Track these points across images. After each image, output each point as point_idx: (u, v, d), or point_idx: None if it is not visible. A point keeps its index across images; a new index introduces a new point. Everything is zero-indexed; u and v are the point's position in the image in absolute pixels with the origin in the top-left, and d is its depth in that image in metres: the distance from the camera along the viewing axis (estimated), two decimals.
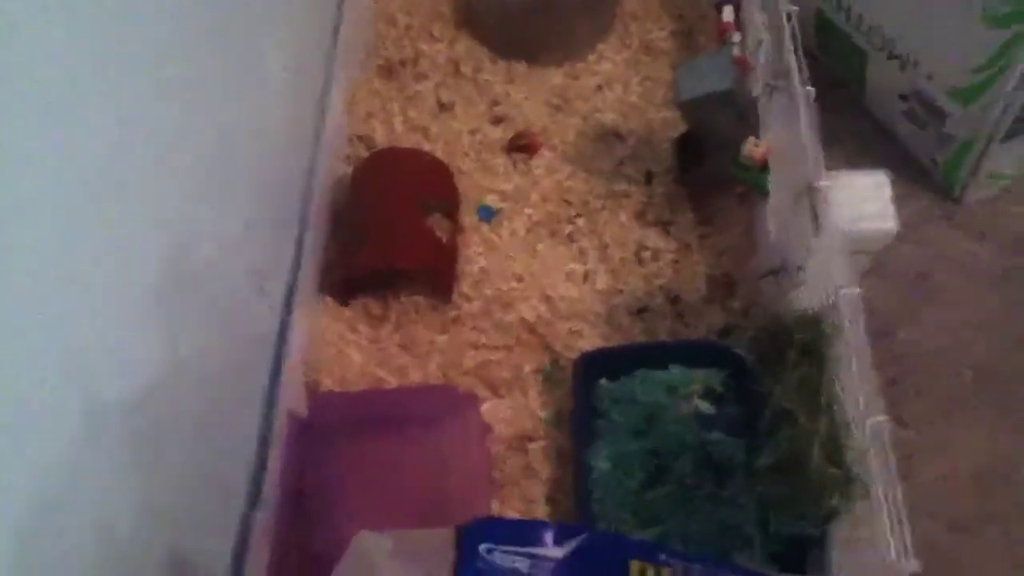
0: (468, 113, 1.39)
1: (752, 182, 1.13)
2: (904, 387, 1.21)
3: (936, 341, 1.27)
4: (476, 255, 1.22)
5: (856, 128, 1.43)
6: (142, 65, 0.78)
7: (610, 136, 1.34)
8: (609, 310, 1.15)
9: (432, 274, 1.19)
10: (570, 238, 1.23)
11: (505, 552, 0.66)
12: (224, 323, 0.98)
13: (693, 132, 1.24)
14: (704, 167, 1.22)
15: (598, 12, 1.45)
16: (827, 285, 0.87)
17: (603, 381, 1.07)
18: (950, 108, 1.25)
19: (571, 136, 1.34)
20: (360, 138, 1.37)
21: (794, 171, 1.00)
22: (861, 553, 0.76)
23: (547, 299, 1.17)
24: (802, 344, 0.86)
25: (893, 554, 0.67)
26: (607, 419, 1.04)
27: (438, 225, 1.21)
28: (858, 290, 0.82)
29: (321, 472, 1.01)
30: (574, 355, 1.10)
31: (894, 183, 1.01)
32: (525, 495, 1.02)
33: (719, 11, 1.31)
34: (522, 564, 0.66)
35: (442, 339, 1.15)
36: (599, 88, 1.40)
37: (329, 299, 1.19)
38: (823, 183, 0.90)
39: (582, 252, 1.21)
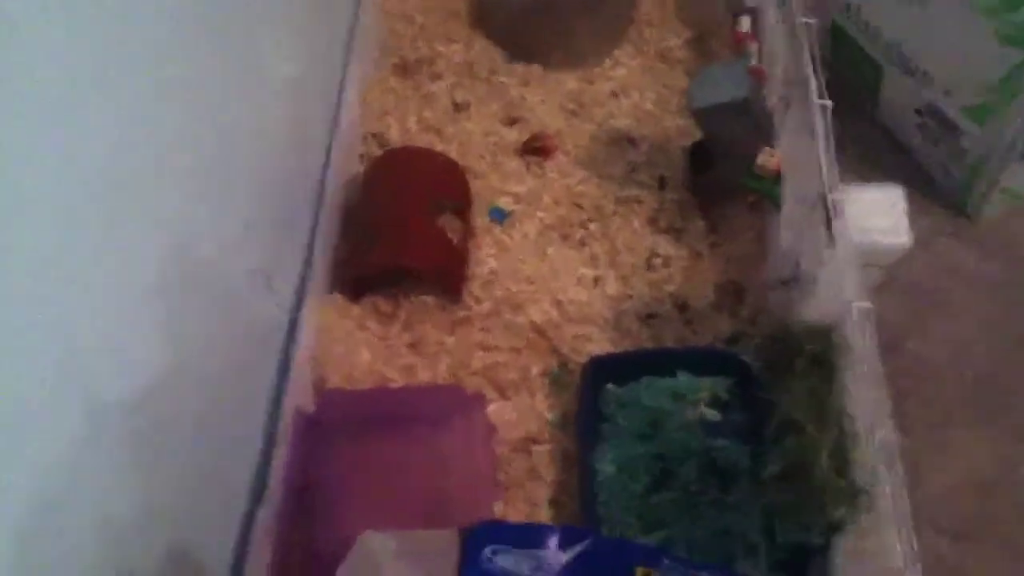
0: (482, 114, 1.39)
1: (765, 192, 1.13)
2: (910, 399, 1.22)
3: (943, 355, 1.27)
4: (487, 256, 1.22)
5: (869, 140, 1.43)
6: (144, 64, 0.78)
7: (624, 142, 1.34)
8: (618, 315, 1.16)
9: (442, 274, 1.19)
10: (581, 242, 1.23)
11: (509, 555, 0.67)
12: (228, 320, 0.98)
13: (706, 140, 1.24)
14: (716, 175, 1.22)
15: (602, 15, 1.45)
16: (839, 297, 0.87)
17: (610, 385, 1.07)
18: (965, 125, 1.24)
19: (585, 141, 1.35)
20: (374, 136, 1.38)
21: (808, 182, 1.00)
22: (866, 563, 0.76)
23: (557, 302, 1.17)
24: (812, 354, 0.86)
25: (900, 565, 0.67)
26: (613, 423, 1.05)
27: (449, 225, 1.21)
28: (870, 304, 0.82)
29: (326, 469, 1.02)
30: (582, 359, 1.10)
31: (906, 196, 1.01)
32: (529, 497, 1.02)
33: (736, 20, 1.31)
34: (526, 568, 0.66)
35: (451, 339, 1.15)
36: (614, 94, 1.41)
37: (339, 296, 1.19)
38: (837, 195, 0.90)
39: (593, 257, 1.22)
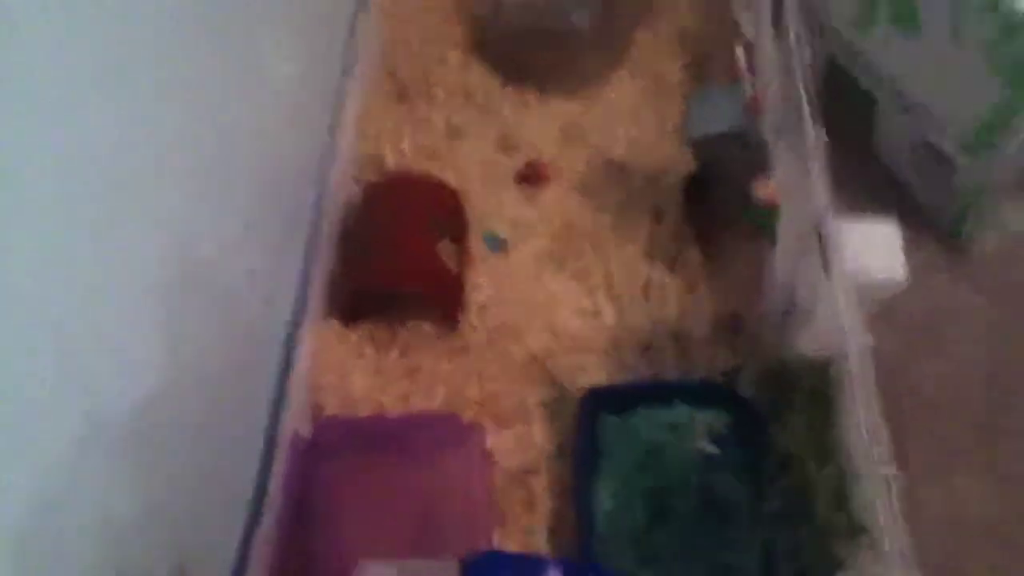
0: (478, 140, 1.39)
1: (761, 223, 1.13)
2: (903, 436, 1.21)
3: (937, 391, 1.26)
4: (483, 284, 1.22)
5: (863, 174, 1.44)
6: (146, 70, 0.78)
7: (620, 170, 1.35)
8: (614, 345, 1.16)
9: (439, 301, 1.19)
10: (577, 272, 1.24)
11: None
12: (228, 343, 0.97)
13: (702, 170, 1.25)
14: (712, 205, 1.22)
15: (606, 44, 1.47)
16: (836, 331, 0.87)
17: (608, 417, 1.07)
18: (959, 159, 1.25)
19: (581, 168, 1.35)
20: (370, 160, 1.38)
21: (803, 214, 1.00)
22: None
23: (553, 332, 1.17)
24: (810, 389, 0.86)
25: None
26: (610, 455, 1.04)
27: (446, 252, 1.21)
28: (869, 338, 0.82)
29: (322, 495, 1.01)
30: (578, 389, 1.10)
31: (901, 231, 1.01)
32: (526, 527, 1.02)
33: (734, 50, 1.32)
34: None
35: (447, 367, 1.15)
36: (610, 121, 1.41)
37: (335, 323, 1.18)
38: (832, 229, 0.90)
39: (589, 287, 1.22)
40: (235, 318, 0.99)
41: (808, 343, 0.96)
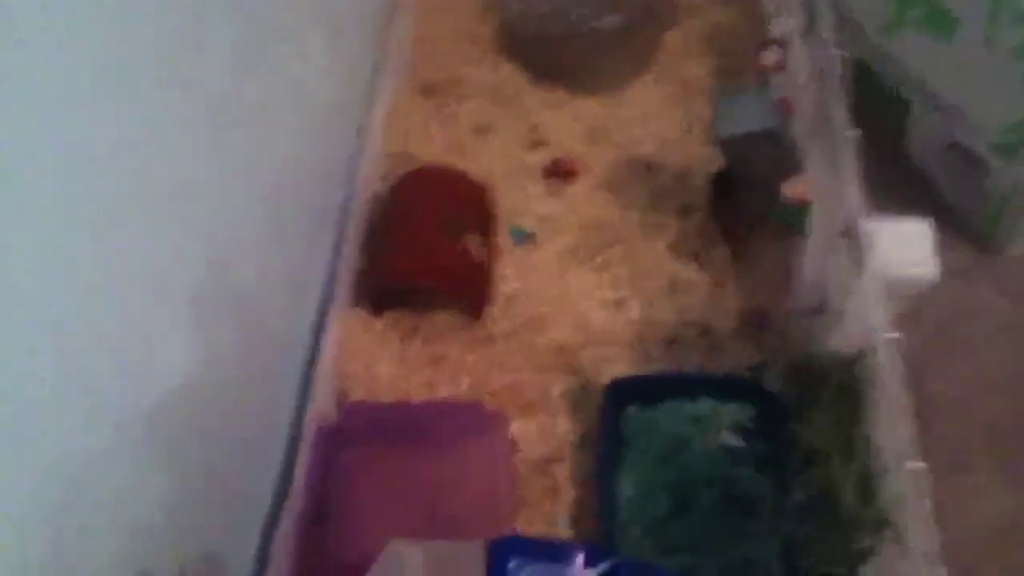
0: (506, 136, 1.40)
1: (790, 222, 1.13)
2: (928, 437, 1.21)
3: (962, 394, 1.26)
4: (509, 277, 1.23)
5: (893, 176, 1.43)
6: (187, 79, 0.80)
7: (647, 168, 1.35)
8: (640, 339, 1.16)
9: (465, 293, 1.19)
10: (603, 266, 1.24)
11: (535, 570, 0.66)
12: (257, 330, 0.99)
13: (730, 169, 1.24)
14: (739, 204, 1.22)
15: (635, 45, 1.47)
16: (865, 328, 0.87)
17: (631, 408, 1.07)
18: (993, 162, 1.25)
19: (608, 166, 1.35)
20: (398, 155, 1.39)
21: (834, 213, 1.00)
22: None
23: (578, 324, 1.17)
24: (838, 384, 0.85)
25: None
26: (633, 446, 1.04)
27: (473, 245, 1.22)
28: (898, 335, 0.82)
29: (346, 480, 1.01)
30: (603, 380, 1.10)
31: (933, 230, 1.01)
32: (548, 515, 1.02)
33: (762, 51, 1.32)
34: None
35: (472, 357, 1.15)
36: (638, 120, 1.42)
37: (362, 311, 1.19)
38: (865, 226, 0.90)
39: (615, 280, 1.22)
40: (264, 307, 1.00)
41: (837, 339, 0.96)
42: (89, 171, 0.65)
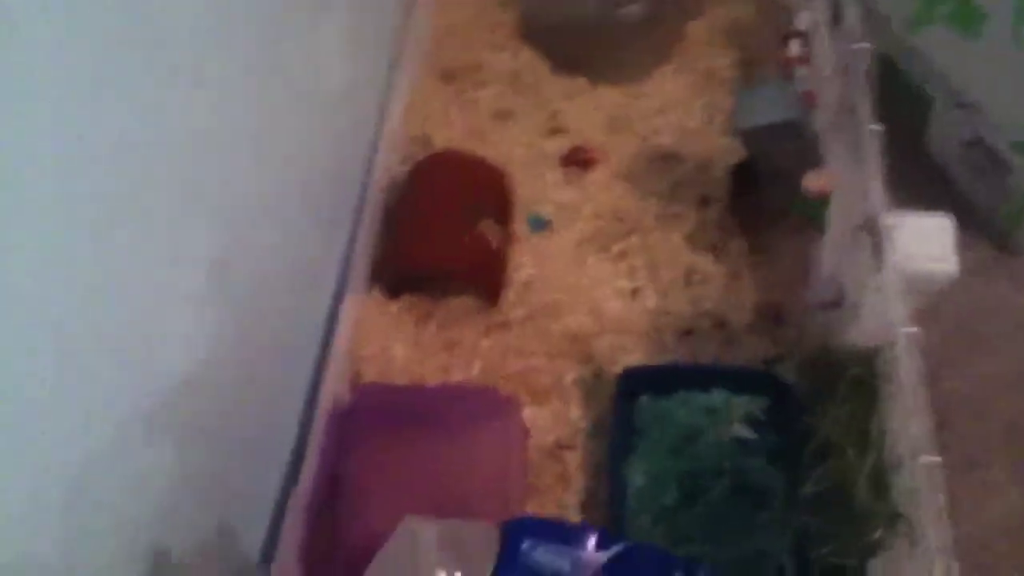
0: (526, 123, 1.40)
1: (810, 215, 1.12)
2: (944, 435, 1.20)
3: (979, 392, 1.26)
4: (526, 263, 1.23)
5: (913, 172, 1.42)
6: (205, 62, 0.81)
7: (667, 158, 1.34)
8: (655, 329, 1.16)
9: (480, 278, 1.19)
10: (620, 255, 1.24)
11: (547, 551, 0.67)
12: (275, 308, 0.99)
13: (751, 161, 1.24)
14: (759, 197, 1.22)
15: (657, 35, 1.46)
16: (883, 322, 0.87)
17: (644, 398, 1.07)
18: (1015, 160, 1.24)
19: (627, 155, 1.35)
20: (417, 140, 1.39)
21: (855, 207, 1.00)
22: None
23: (593, 312, 1.17)
24: (855, 378, 0.85)
25: None
26: (645, 435, 1.04)
27: (490, 230, 1.22)
28: (917, 329, 0.82)
29: (357, 460, 1.02)
30: (616, 369, 1.10)
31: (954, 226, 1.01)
32: (559, 503, 1.02)
33: (786, 43, 1.31)
34: (563, 564, 0.66)
35: (486, 342, 1.16)
36: (659, 110, 1.41)
37: (377, 294, 1.20)
38: (886, 220, 0.89)
39: (632, 270, 1.22)
40: (281, 289, 1.01)
41: (854, 334, 0.95)
42: (98, 154, 0.65)
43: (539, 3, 1.49)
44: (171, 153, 0.74)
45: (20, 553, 0.58)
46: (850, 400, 0.85)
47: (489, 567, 0.64)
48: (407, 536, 0.65)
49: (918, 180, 1.40)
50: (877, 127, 1.00)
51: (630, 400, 1.06)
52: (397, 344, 1.16)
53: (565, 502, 1.02)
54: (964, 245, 1.31)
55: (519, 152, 1.36)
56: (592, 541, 0.68)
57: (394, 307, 1.19)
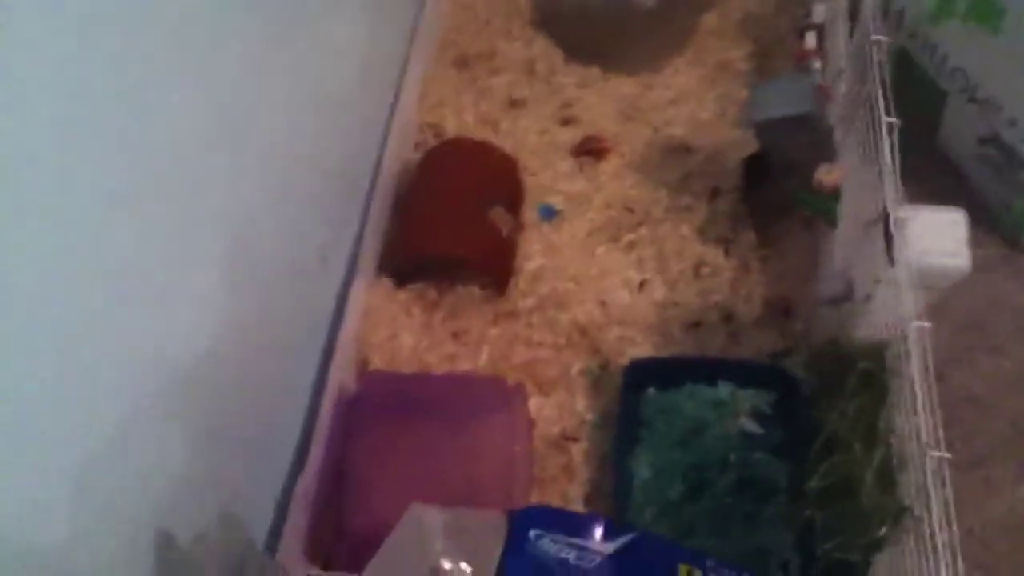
0: (538, 112, 1.39)
1: (821, 209, 1.12)
2: (951, 432, 1.20)
3: (987, 389, 1.25)
4: (535, 253, 1.22)
5: (925, 168, 1.41)
6: (218, 44, 0.80)
7: (678, 150, 1.34)
8: (662, 321, 1.15)
9: (489, 265, 1.19)
10: (629, 246, 1.23)
11: (554, 540, 0.67)
12: (286, 295, 1.00)
13: (764, 154, 1.23)
14: (771, 189, 1.21)
15: (671, 25, 1.46)
16: (895, 316, 0.86)
17: (651, 390, 1.07)
18: None
19: (639, 146, 1.35)
20: (430, 126, 1.39)
21: (867, 201, 0.99)
22: None
23: (601, 303, 1.17)
24: (864, 372, 0.85)
25: None
26: (651, 428, 1.04)
27: (500, 218, 1.22)
28: (928, 324, 0.81)
29: (363, 448, 1.02)
30: (623, 361, 1.10)
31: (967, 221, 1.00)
32: (564, 494, 1.02)
33: (801, 36, 1.31)
34: (570, 554, 0.66)
35: (494, 332, 1.16)
36: (672, 101, 1.40)
37: (386, 280, 1.20)
38: (900, 214, 0.89)
39: (640, 261, 1.21)
40: (290, 274, 1.01)
41: (863, 328, 0.95)
42: (107, 141, 0.65)
43: None
44: (182, 139, 0.74)
45: (26, 548, 0.58)
46: (859, 394, 0.85)
47: (496, 555, 0.64)
48: (414, 523, 0.65)
49: (931, 175, 1.39)
50: (893, 120, 0.99)
51: (636, 392, 1.06)
52: (405, 332, 1.16)
53: (570, 494, 1.02)
54: (975, 242, 1.30)
55: (531, 141, 1.35)
56: (599, 531, 0.68)
57: (402, 295, 1.19)
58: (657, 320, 1.16)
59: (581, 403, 1.10)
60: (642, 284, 1.20)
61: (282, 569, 0.83)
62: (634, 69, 1.45)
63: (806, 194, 1.11)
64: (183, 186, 0.74)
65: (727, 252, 1.22)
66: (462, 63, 1.47)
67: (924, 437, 0.76)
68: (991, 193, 1.36)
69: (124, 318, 0.67)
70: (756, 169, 1.25)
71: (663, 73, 1.45)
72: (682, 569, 0.67)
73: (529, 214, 1.27)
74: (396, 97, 1.34)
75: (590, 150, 1.33)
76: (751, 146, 1.26)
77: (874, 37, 1.06)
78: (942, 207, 0.97)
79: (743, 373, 1.06)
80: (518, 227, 1.24)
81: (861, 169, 1.04)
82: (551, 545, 0.65)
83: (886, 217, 0.90)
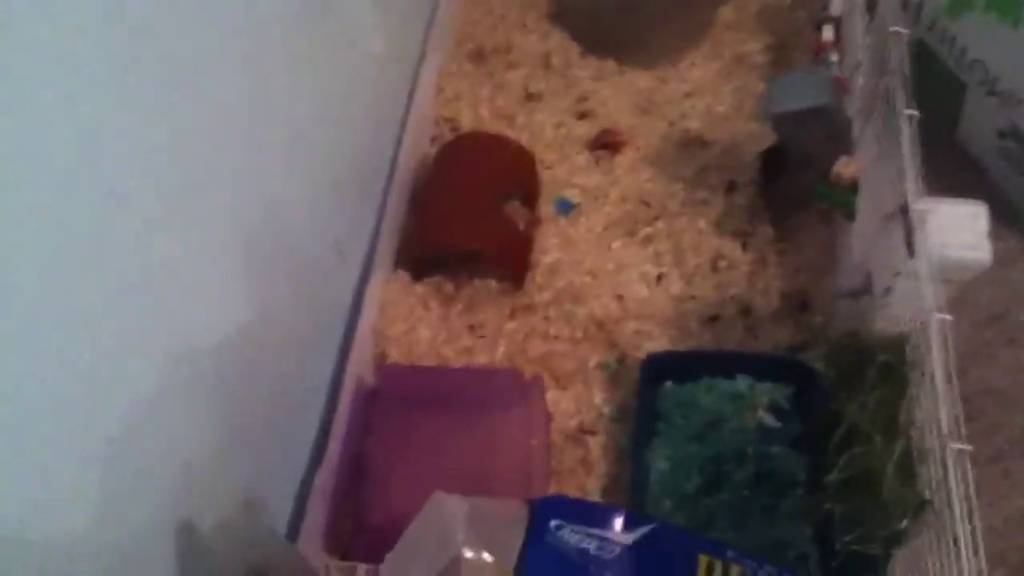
0: (555, 106, 1.39)
1: (839, 202, 1.11)
2: (972, 426, 1.20)
3: (1008, 383, 1.25)
4: (551, 246, 1.23)
5: (944, 161, 1.41)
6: (236, 39, 0.80)
7: (695, 143, 1.34)
8: (680, 315, 1.15)
9: (506, 259, 1.19)
10: (646, 240, 1.23)
11: (575, 531, 0.67)
12: (305, 287, 1.00)
13: (781, 147, 1.23)
14: (788, 182, 1.21)
15: (687, 17, 1.45)
16: (915, 309, 0.86)
17: (668, 384, 1.07)
18: None
19: (655, 139, 1.34)
20: (446, 120, 1.39)
21: (886, 193, 0.99)
22: None
23: (618, 297, 1.17)
24: (884, 365, 0.84)
25: None
26: (669, 421, 1.04)
27: (516, 212, 1.22)
28: (949, 316, 0.81)
29: (381, 441, 1.03)
30: (640, 355, 1.10)
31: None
32: (581, 487, 1.02)
33: (818, 29, 1.30)
34: (590, 544, 0.66)
35: (511, 325, 1.16)
36: (688, 95, 1.40)
37: (403, 274, 1.20)
38: (920, 206, 0.89)
39: (657, 255, 1.21)
40: (307, 267, 1.01)
41: (882, 321, 0.95)
42: (122, 137, 0.64)
43: None
44: (199, 136, 0.75)
45: (58, 529, 0.59)
46: (878, 387, 0.85)
47: (517, 546, 0.65)
48: (436, 512, 0.66)
49: (950, 169, 1.38)
50: (912, 112, 0.99)
51: (654, 386, 1.06)
52: (422, 325, 1.16)
53: (587, 487, 1.02)
54: (994, 236, 1.30)
55: (547, 134, 1.36)
56: (619, 522, 0.68)
57: (419, 289, 1.19)
58: (674, 314, 1.16)
59: (598, 397, 1.10)
60: (659, 278, 1.19)
61: (303, 557, 0.84)
62: (650, 62, 1.44)
63: (824, 187, 1.11)
64: (198, 182, 0.75)
65: (744, 246, 1.21)
66: (478, 57, 1.47)
67: (944, 429, 0.75)
68: (1011, 187, 1.35)
69: (140, 312, 0.67)
70: (773, 162, 1.24)
71: (679, 66, 1.44)
72: (702, 559, 0.67)
73: (545, 208, 1.27)
74: (412, 91, 1.34)
75: (606, 144, 1.33)
76: (768, 139, 1.26)
77: (893, 29, 1.05)
78: (962, 200, 0.97)
79: (761, 366, 1.06)
80: (534, 221, 1.24)
81: (879, 162, 1.04)
82: (571, 535, 0.66)
83: (906, 209, 0.89)
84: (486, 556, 0.63)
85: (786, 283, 1.17)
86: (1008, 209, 1.35)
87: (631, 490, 0.99)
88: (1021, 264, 1.34)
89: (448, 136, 1.35)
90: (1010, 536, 1.14)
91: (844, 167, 1.09)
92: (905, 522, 0.77)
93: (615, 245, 1.23)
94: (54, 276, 0.57)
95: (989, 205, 1.04)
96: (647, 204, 1.27)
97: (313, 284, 1.03)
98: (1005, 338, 1.28)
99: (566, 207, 1.27)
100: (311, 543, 0.93)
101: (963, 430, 0.77)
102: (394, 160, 1.27)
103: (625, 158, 1.32)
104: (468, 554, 0.63)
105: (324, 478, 0.97)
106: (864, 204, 1.08)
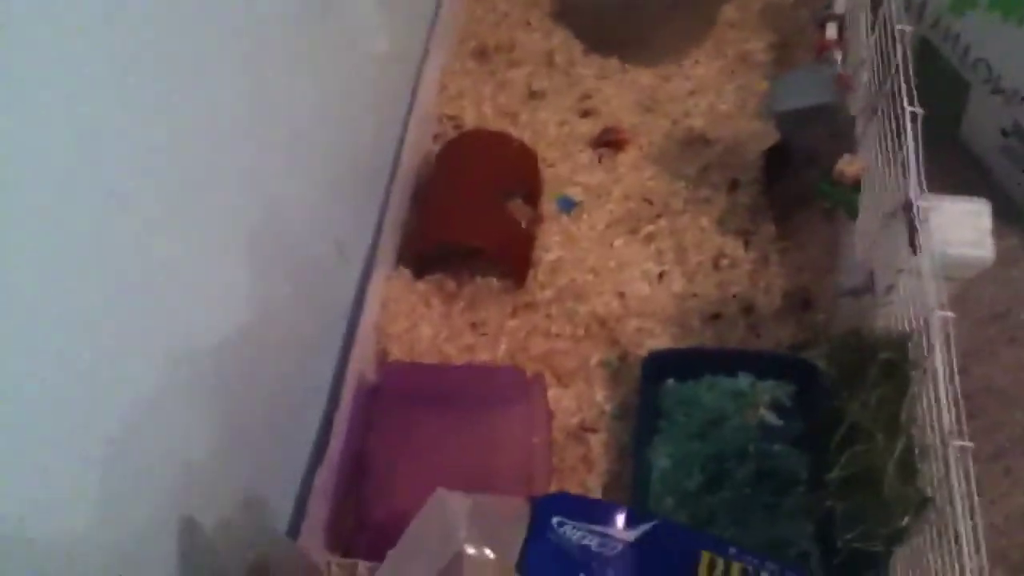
0: (558, 104, 1.39)
1: (841, 200, 1.11)
2: (973, 424, 1.19)
3: (1007, 381, 1.25)
4: (553, 244, 1.23)
5: (948, 160, 1.41)
6: (239, 38, 0.81)
7: (698, 141, 1.34)
8: (681, 313, 1.15)
9: (508, 256, 1.19)
10: (648, 238, 1.23)
11: (576, 528, 0.67)
12: (306, 286, 1.00)
13: (784, 145, 1.23)
14: (791, 181, 1.21)
15: (691, 16, 1.45)
16: (917, 306, 0.86)
17: (670, 381, 1.07)
18: None
19: (658, 137, 1.34)
20: (449, 118, 1.39)
21: (889, 192, 0.99)
22: None
23: (620, 295, 1.17)
24: (886, 363, 0.84)
25: None
26: (670, 419, 1.04)
27: (518, 210, 1.22)
28: (951, 314, 0.81)
29: (383, 438, 1.03)
30: (642, 352, 1.10)
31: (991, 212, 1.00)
32: (583, 485, 1.02)
33: (821, 27, 1.30)
34: (592, 541, 0.67)
35: (512, 323, 1.16)
36: (691, 93, 1.40)
37: (405, 271, 1.20)
38: (923, 204, 0.88)
39: (659, 253, 1.21)
40: (310, 264, 1.02)
41: (884, 319, 0.95)
42: (124, 136, 0.64)
43: None
44: (201, 134, 0.75)
45: (58, 529, 0.59)
46: (880, 385, 0.84)
47: (519, 542, 0.65)
48: (438, 508, 0.66)
49: (953, 168, 1.39)
50: (916, 110, 0.99)
51: (655, 384, 1.06)
52: (424, 323, 1.16)
53: (588, 484, 1.02)
54: (997, 234, 1.29)
55: (550, 132, 1.36)
56: (621, 519, 0.68)
57: (421, 286, 1.19)
58: (676, 312, 1.16)
59: (600, 394, 1.10)
60: (661, 276, 1.19)
61: (305, 554, 0.84)
62: (653, 60, 1.44)
63: (827, 185, 1.11)
64: (198, 182, 0.75)
65: (746, 244, 1.21)
66: (481, 55, 1.47)
67: (946, 427, 0.75)
68: (1013, 185, 1.35)
69: (140, 312, 0.67)
70: (777, 160, 1.24)
71: (682, 64, 1.44)
72: (704, 556, 0.67)
73: (548, 206, 1.27)
74: (415, 89, 1.34)
75: (609, 141, 1.33)
76: (771, 137, 1.26)
77: (896, 27, 1.05)
78: (965, 198, 0.96)
79: (763, 364, 1.06)
80: (537, 218, 1.24)
81: (884, 159, 1.04)
82: (573, 532, 0.66)
83: (909, 207, 0.89)
84: (488, 553, 0.63)
85: (788, 281, 1.17)
86: (1011, 207, 1.34)
87: (633, 487, 0.99)
88: (1021, 263, 1.34)
89: (451, 134, 1.35)
90: (1011, 534, 1.14)
91: (847, 165, 1.08)
92: (906, 520, 0.77)
93: (617, 243, 1.23)
94: (54, 276, 0.57)
95: (992, 203, 1.04)
96: (649, 202, 1.27)
97: (314, 283, 1.04)
98: (1007, 336, 1.28)
99: (568, 205, 1.27)
100: (312, 541, 0.93)
101: (964, 428, 0.77)
102: (397, 158, 1.27)
103: (628, 156, 1.32)
104: (470, 551, 0.63)
105: (325, 476, 0.97)
106: (866, 202, 1.08)
